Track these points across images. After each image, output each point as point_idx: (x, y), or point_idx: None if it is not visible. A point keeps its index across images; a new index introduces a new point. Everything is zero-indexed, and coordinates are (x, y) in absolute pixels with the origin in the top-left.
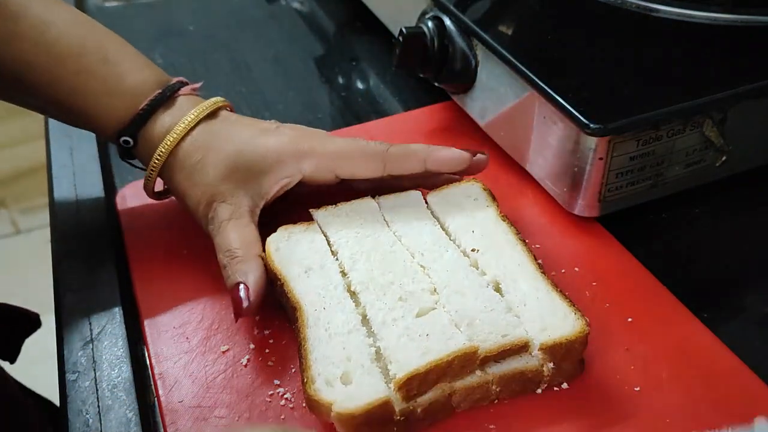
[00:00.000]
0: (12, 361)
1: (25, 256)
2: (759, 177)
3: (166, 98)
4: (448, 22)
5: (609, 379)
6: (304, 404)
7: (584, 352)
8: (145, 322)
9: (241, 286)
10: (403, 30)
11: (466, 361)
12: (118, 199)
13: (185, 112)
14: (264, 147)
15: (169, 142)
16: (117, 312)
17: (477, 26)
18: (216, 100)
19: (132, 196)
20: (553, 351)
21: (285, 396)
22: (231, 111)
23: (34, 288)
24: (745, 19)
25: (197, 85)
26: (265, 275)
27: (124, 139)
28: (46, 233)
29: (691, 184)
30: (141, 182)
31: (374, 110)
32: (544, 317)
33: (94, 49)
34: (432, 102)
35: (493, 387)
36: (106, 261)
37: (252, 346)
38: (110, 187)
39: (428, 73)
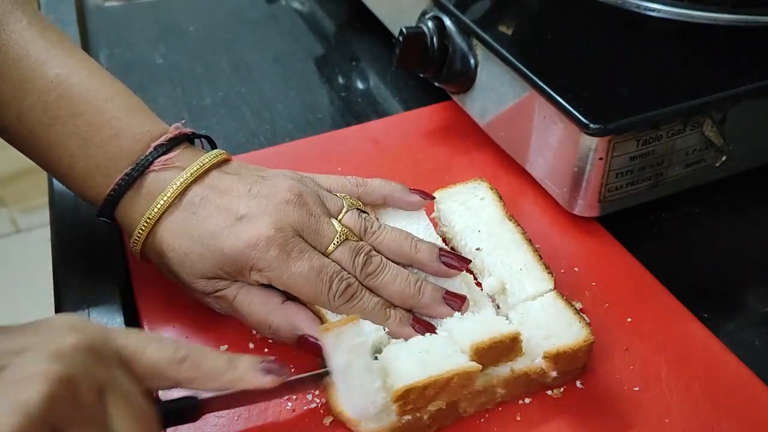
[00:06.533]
0: None
1: (25, 256)
2: (759, 177)
3: (133, 180)
4: (448, 22)
5: (609, 379)
6: (304, 405)
7: (588, 359)
8: (145, 322)
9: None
10: (403, 30)
11: (466, 380)
12: None
13: (151, 199)
14: (221, 252)
15: (137, 237)
16: (117, 312)
17: (477, 26)
18: (183, 180)
19: None
20: (557, 359)
21: None
22: (225, 162)
23: (34, 288)
24: (745, 19)
25: (173, 155)
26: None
27: (103, 220)
28: (46, 233)
29: (691, 184)
30: None
31: (374, 110)
32: (549, 324)
33: (67, 119)
34: (432, 102)
35: (498, 390)
36: (106, 261)
37: (252, 345)
38: None
39: (428, 73)
